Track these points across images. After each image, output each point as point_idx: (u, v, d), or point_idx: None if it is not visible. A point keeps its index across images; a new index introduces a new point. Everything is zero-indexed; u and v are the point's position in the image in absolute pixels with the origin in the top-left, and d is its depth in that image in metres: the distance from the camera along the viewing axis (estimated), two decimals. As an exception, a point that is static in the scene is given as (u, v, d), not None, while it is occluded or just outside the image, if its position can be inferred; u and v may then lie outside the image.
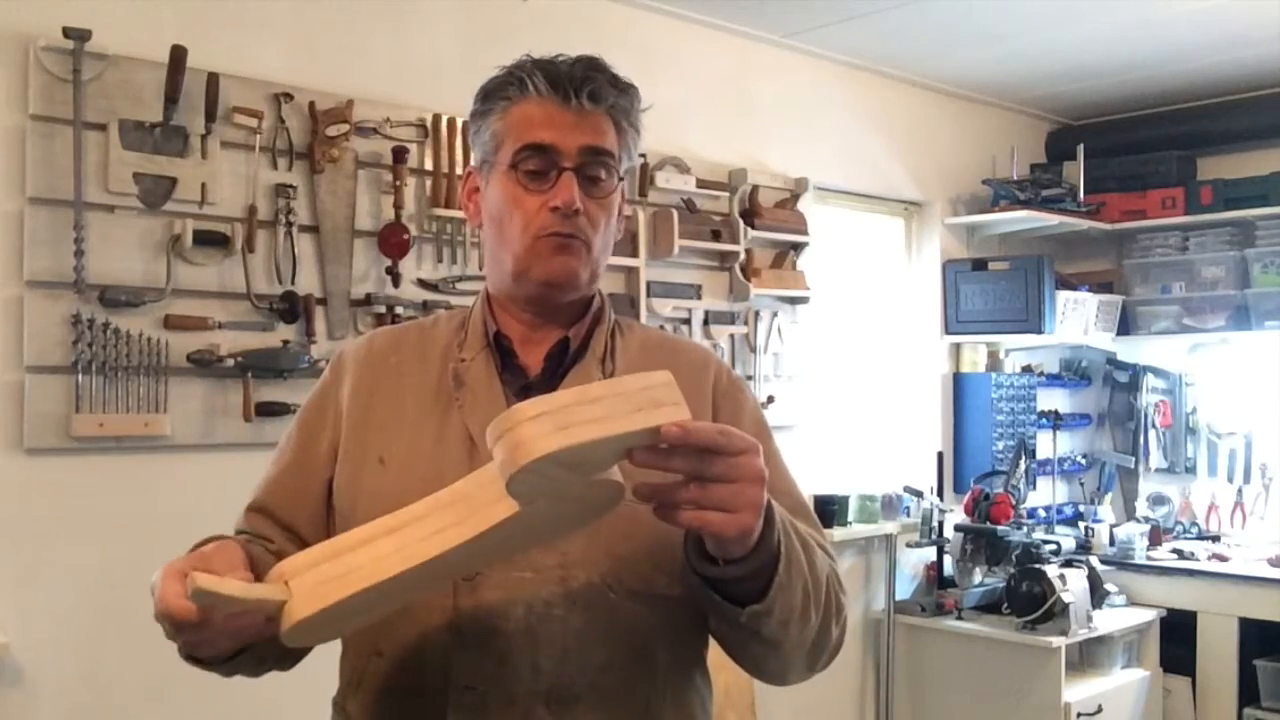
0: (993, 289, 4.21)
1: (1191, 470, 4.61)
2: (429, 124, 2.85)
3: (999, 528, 3.87)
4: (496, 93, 1.20)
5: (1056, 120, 4.82)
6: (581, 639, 1.11)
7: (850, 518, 3.86)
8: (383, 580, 0.93)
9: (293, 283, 2.61)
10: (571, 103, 1.15)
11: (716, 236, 3.46)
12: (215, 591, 0.90)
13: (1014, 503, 3.97)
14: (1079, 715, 3.66)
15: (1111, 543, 4.34)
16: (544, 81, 1.16)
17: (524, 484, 0.87)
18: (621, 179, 1.23)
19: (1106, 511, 4.59)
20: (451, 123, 2.84)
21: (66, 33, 2.30)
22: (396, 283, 2.76)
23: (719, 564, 1.00)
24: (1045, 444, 4.46)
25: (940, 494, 4.14)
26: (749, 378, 3.58)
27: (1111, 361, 4.72)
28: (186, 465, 2.46)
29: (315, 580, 0.94)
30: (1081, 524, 4.50)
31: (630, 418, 0.86)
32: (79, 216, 2.31)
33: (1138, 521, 4.45)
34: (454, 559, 0.94)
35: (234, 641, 1.00)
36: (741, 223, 3.53)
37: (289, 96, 2.61)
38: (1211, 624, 3.97)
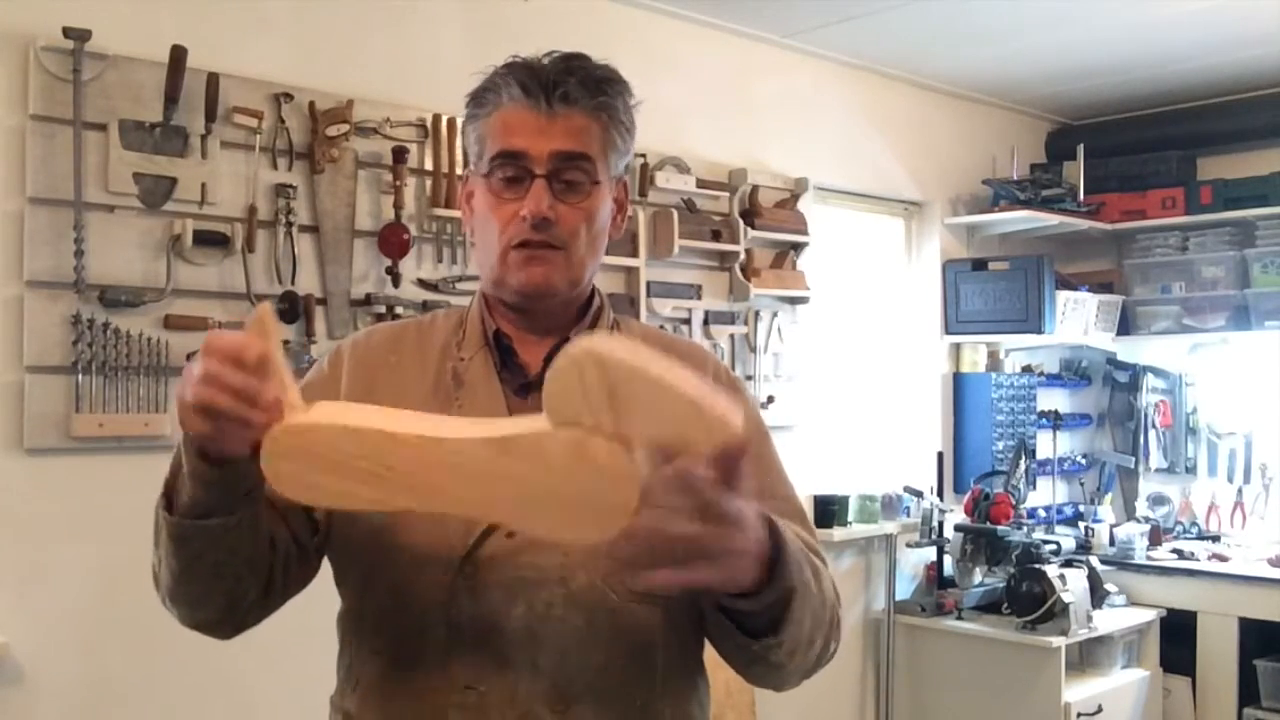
0: (993, 289, 4.21)
1: (1191, 470, 4.61)
2: (429, 124, 2.85)
3: (999, 528, 3.87)
4: (479, 98, 1.20)
5: (1056, 120, 4.82)
6: (581, 639, 1.11)
7: (850, 518, 3.86)
8: (382, 430, 0.93)
9: (293, 283, 2.61)
10: (543, 107, 1.15)
11: (716, 236, 3.46)
12: (269, 331, 0.94)
13: (1014, 503, 3.97)
14: (1079, 715, 3.66)
15: (1111, 543, 4.34)
16: (518, 87, 1.16)
17: (562, 382, 0.87)
18: (611, 175, 1.22)
19: (1106, 511, 4.59)
20: (451, 123, 2.84)
21: (66, 33, 2.30)
22: (396, 283, 2.76)
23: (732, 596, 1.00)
24: (1045, 444, 4.46)
25: (940, 494, 4.14)
26: (749, 378, 3.58)
27: (1111, 361, 4.72)
28: (186, 465, 2.45)
29: (332, 409, 0.97)
30: (1081, 524, 4.50)
31: (691, 392, 0.87)
32: (79, 216, 2.31)
33: (1138, 521, 4.45)
34: (461, 464, 0.93)
35: (247, 430, 0.93)
36: (741, 223, 3.53)
37: (289, 96, 2.61)
38: (1211, 624, 3.97)
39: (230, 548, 1.05)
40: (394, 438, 0.93)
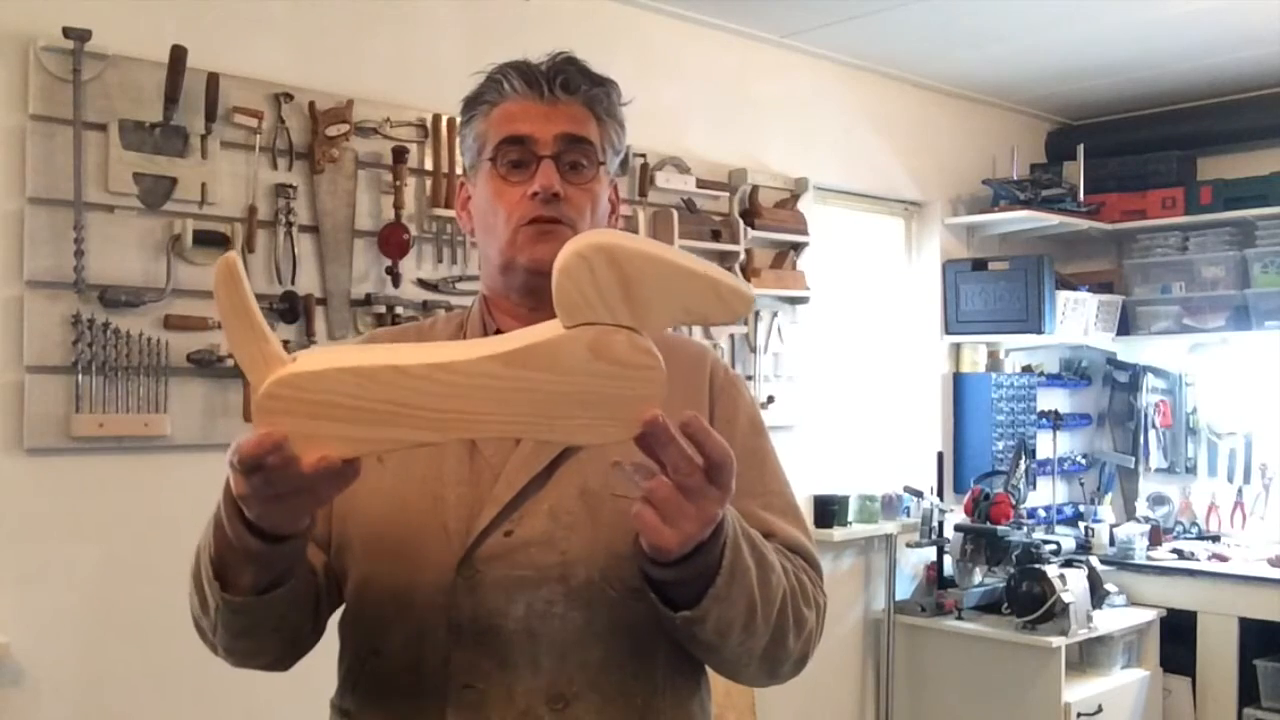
0: (993, 289, 4.21)
1: (1191, 470, 4.61)
2: (429, 124, 2.85)
3: (999, 528, 3.87)
4: (478, 99, 1.23)
5: (1056, 120, 4.82)
6: (581, 637, 1.11)
7: (850, 518, 3.86)
8: (389, 365, 0.86)
9: (293, 283, 2.61)
10: (545, 95, 1.19)
11: (716, 236, 3.46)
12: (238, 279, 0.86)
13: (1014, 503, 3.97)
14: (1079, 715, 3.66)
15: (1111, 543, 4.34)
16: (519, 80, 1.19)
17: (574, 279, 0.85)
18: (608, 170, 1.24)
19: (1106, 511, 4.59)
20: (451, 123, 2.84)
21: (66, 33, 2.30)
22: (396, 283, 2.76)
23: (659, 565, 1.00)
24: (1045, 444, 4.46)
25: (940, 494, 4.14)
26: (749, 378, 3.58)
27: (1111, 361, 4.72)
28: (186, 465, 2.46)
29: (321, 354, 0.90)
30: (1081, 524, 4.50)
31: (704, 270, 0.87)
32: (79, 216, 2.31)
33: (1138, 521, 4.45)
34: (477, 386, 0.88)
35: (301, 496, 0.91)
36: (741, 223, 3.53)
37: (289, 96, 2.61)
38: (1211, 624, 3.97)
39: (289, 606, 1.08)
40: (403, 371, 0.87)
